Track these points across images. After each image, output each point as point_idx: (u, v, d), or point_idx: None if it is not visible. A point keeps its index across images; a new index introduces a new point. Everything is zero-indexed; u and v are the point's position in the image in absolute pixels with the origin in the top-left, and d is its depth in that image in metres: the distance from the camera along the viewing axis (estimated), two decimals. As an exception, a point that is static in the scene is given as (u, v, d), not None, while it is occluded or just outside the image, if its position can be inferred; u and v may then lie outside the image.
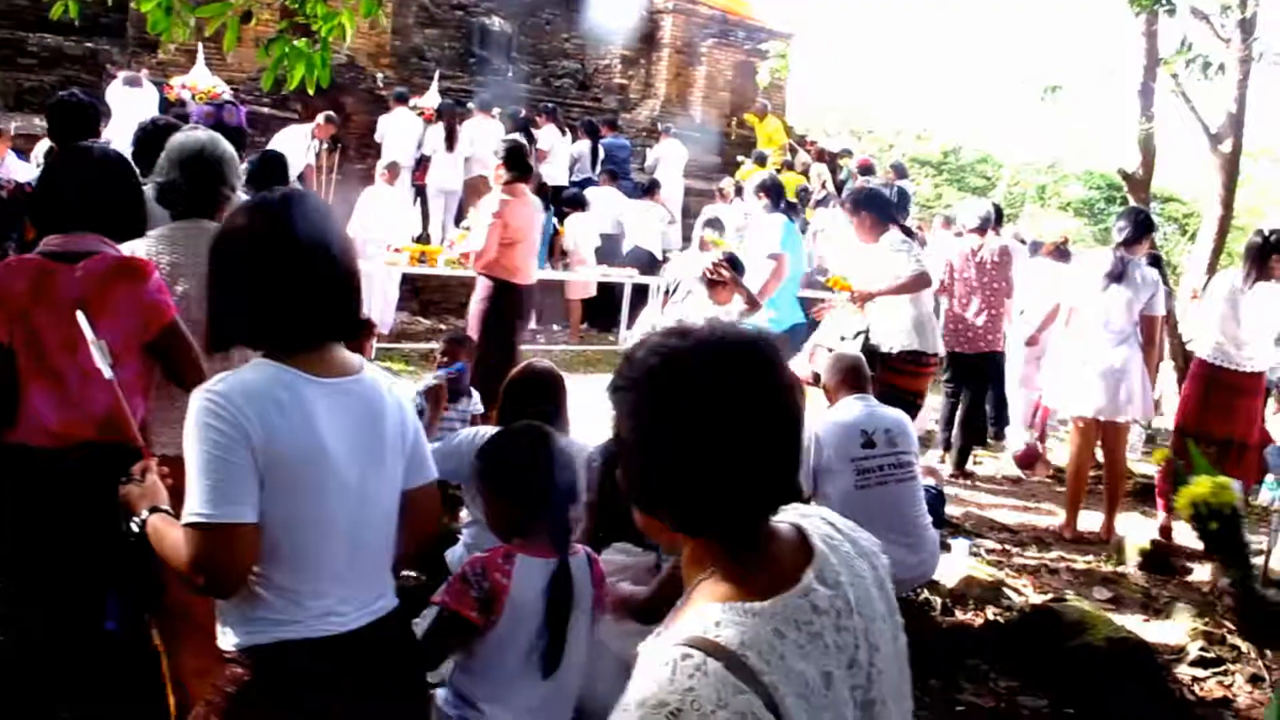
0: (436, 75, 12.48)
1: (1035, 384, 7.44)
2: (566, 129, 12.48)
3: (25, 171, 7.29)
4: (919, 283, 5.43)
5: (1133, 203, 8.12)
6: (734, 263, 5.47)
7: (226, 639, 1.76)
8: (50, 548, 2.52)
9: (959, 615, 4.34)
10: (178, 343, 2.65)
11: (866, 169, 13.49)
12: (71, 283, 2.55)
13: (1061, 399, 6.04)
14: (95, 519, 2.35)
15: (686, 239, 12.17)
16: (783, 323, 6.19)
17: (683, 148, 13.20)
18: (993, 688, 3.85)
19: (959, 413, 7.02)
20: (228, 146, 3.13)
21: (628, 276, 10.66)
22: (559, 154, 12.02)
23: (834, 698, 1.15)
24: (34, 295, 2.54)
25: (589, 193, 11.27)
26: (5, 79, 10.69)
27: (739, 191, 11.12)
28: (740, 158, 13.47)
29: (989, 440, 7.68)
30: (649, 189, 11.88)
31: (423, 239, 10.64)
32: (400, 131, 11.00)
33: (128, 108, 8.76)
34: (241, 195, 3.15)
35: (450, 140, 10.99)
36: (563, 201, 11.08)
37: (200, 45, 10.13)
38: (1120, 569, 5.23)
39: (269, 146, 8.05)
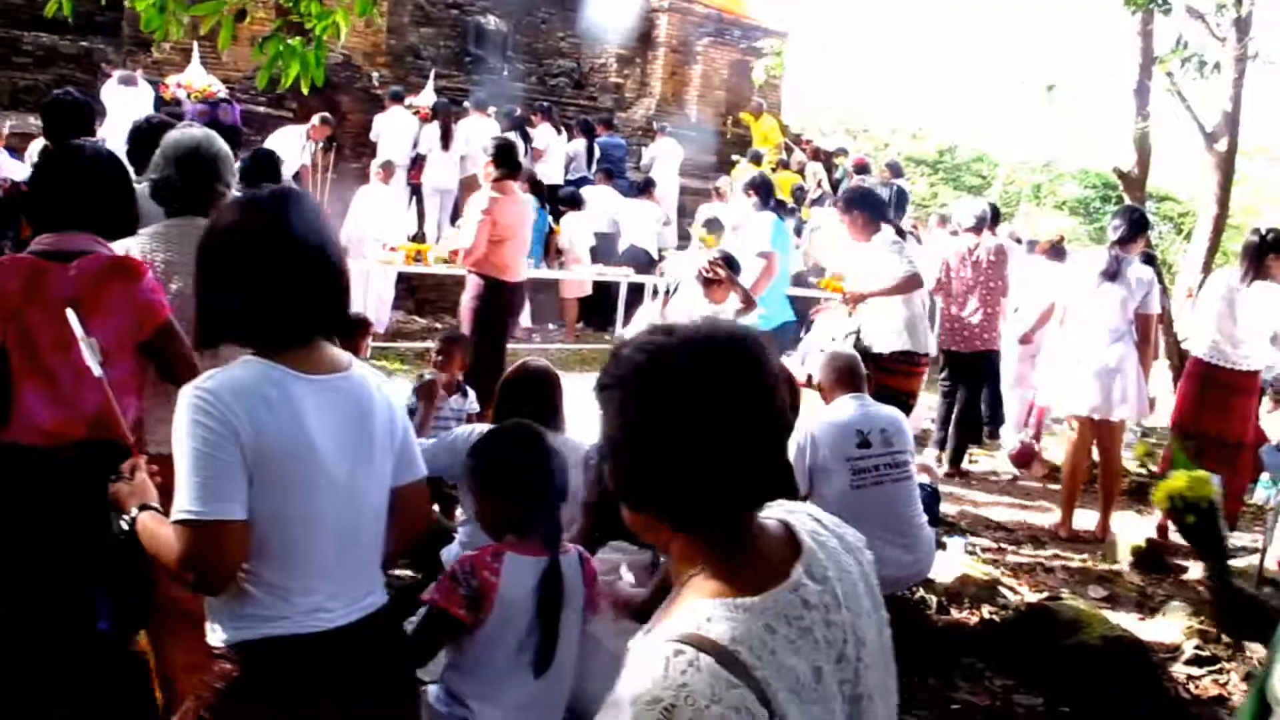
0: (432, 74, 12.45)
1: (1030, 383, 7.45)
2: (562, 128, 12.50)
3: (20, 170, 7.30)
4: (910, 284, 5.46)
5: (1128, 201, 8.13)
6: (729, 262, 5.48)
7: (215, 635, 1.76)
8: (43, 547, 2.52)
9: (954, 614, 4.34)
10: (172, 342, 2.65)
11: (862, 168, 13.50)
12: (65, 282, 2.54)
13: (1056, 397, 6.05)
14: (87, 518, 2.35)
15: (682, 238, 12.18)
16: (772, 320, 6.20)
17: (678, 146, 13.20)
18: (988, 686, 3.86)
19: (955, 411, 7.03)
20: (223, 144, 3.12)
21: (623, 275, 10.65)
22: (554, 153, 12.03)
23: (824, 692, 1.16)
24: (27, 294, 2.53)
25: (584, 191, 11.27)
26: (0, 78, 10.67)
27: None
28: (736, 156, 13.46)
29: (985, 439, 7.69)
30: (644, 188, 11.88)
31: (418, 238, 10.63)
32: (396, 130, 10.99)
33: (123, 106, 8.76)
34: (236, 193, 3.14)
35: (446, 139, 10.99)
36: (558, 200, 11.07)
37: (195, 44, 10.11)
38: (1115, 567, 5.24)
39: (264, 145, 8.05)
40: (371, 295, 9.12)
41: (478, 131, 10.80)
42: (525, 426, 2.56)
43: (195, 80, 10.19)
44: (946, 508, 5.72)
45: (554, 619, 2.29)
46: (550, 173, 11.71)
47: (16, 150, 8.27)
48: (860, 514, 3.43)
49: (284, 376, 1.74)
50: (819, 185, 13.50)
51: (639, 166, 13.40)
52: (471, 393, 4.87)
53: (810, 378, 4.46)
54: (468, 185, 10.69)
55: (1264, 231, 5.49)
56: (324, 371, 1.80)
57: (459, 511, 3.79)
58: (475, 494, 2.50)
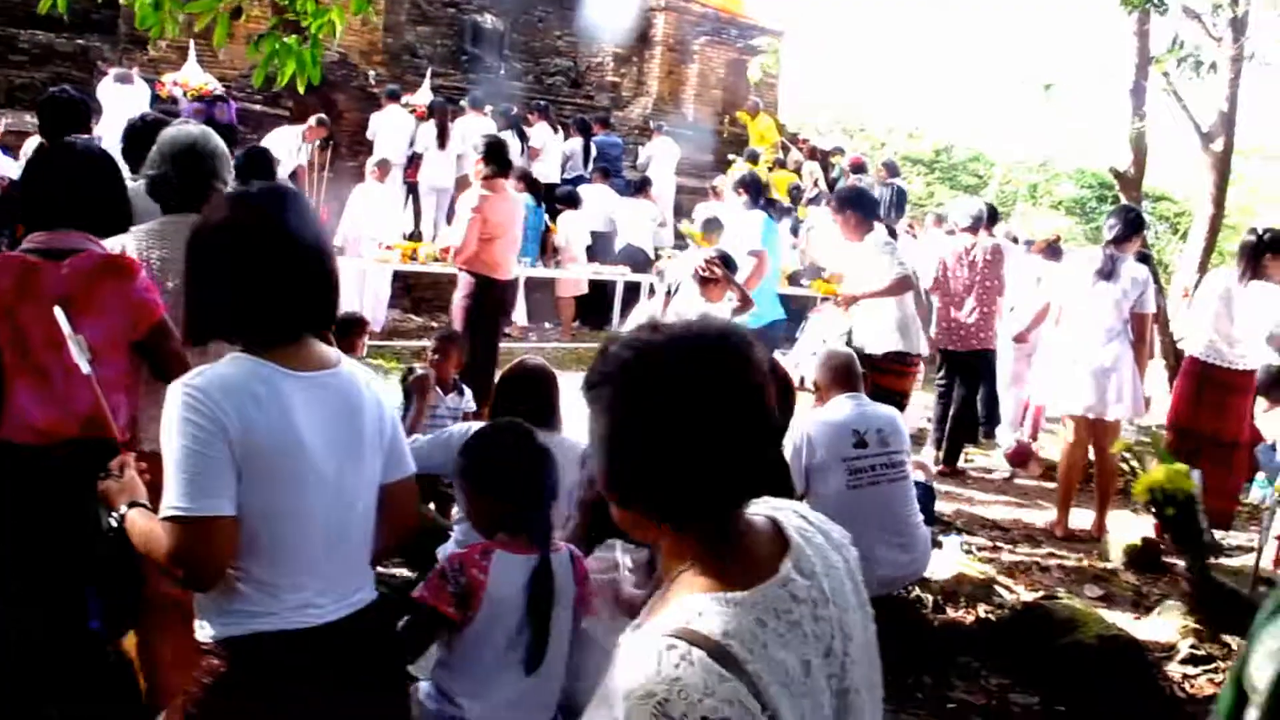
0: (428, 73, 12.45)
1: (1026, 382, 7.45)
2: (559, 126, 12.48)
3: (15, 169, 7.29)
4: (900, 286, 5.50)
5: (1124, 201, 8.13)
6: (726, 261, 5.49)
7: (204, 631, 1.76)
8: (37, 546, 2.51)
9: (950, 613, 4.34)
10: (166, 341, 2.64)
11: (859, 167, 13.51)
12: (57, 280, 2.54)
13: (1052, 397, 6.06)
14: (80, 517, 2.34)
15: (679, 237, 12.17)
16: (762, 318, 6.21)
17: (675, 145, 13.20)
18: (984, 685, 3.86)
19: (951, 410, 7.03)
20: (220, 141, 3.12)
21: (620, 274, 10.66)
22: (551, 151, 12.02)
23: (813, 685, 1.17)
24: (19, 292, 2.53)
25: (581, 190, 11.26)
26: (-4, 76, 10.65)
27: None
28: (732, 156, 13.45)
29: (981, 438, 7.70)
30: (641, 187, 11.88)
31: (414, 237, 10.62)
32: (392, 129, 10.98)
33: (119, 104, 8.73)
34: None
35: (442, 138, 10.98)
36: (555, 199, 11.06)
37: (192, 42, 10.11)
38: (1111, 566, 5.24)
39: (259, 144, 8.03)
40: (368, 294, 9.12)
41: (474, 130, 10.76)
42: (515, 425, 2.56)
43: (191, 78, 10.19)
44: (942, 506, 5.73)
45: (544, 617, 2.29)
46: (547, 171, 11.70)
47: (12, 149, 8.26)
48: (857, 514, 3.44)
49: (273, 373, 1.74)
50: (815, 184, 13.50)
51: (635, 165, 13.40)
52: (468, 391, 4.88)
53: (804, 379, 4.46)
54: (464, 184, 10.68)
55: (1261, 231, 5.50)
56: (313, 368, 1.80)
57: (455, 510, 3.79)
58: (466, 492, 2.50)
